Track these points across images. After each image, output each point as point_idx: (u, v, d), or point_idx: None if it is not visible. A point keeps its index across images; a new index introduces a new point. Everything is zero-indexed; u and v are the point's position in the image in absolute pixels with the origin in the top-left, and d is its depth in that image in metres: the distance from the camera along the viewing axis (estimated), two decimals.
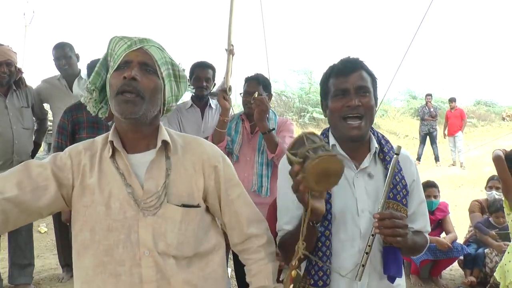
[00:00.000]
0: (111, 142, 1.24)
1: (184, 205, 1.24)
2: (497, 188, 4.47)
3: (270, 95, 2.80)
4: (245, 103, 2.74)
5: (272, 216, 2.46)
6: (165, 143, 1.28)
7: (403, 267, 1.40)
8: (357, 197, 1.42)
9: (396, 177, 1.41)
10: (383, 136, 1.52)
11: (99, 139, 1.30)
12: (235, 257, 2.91)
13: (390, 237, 1.26)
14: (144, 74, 1.21)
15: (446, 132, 11.08)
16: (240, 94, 2.80)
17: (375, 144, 1.45)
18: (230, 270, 3.38)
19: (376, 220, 1.28)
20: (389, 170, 1.33)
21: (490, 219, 4.16)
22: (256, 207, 1.41)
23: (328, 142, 1.47)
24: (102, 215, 1.19)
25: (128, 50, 1.22)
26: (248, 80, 2.76)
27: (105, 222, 1.19)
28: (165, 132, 1.31)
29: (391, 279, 1.39)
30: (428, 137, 11.10)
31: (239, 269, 2.92)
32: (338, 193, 1.41)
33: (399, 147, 1.36)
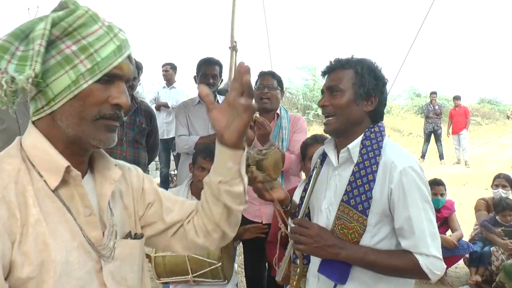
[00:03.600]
0: (67, 168, 0.87)
1: (138, 237, 1.03)
2: (503, 186, 4.46)
3: (282, 91, 2.79)
4: (259, 96, 2.69)
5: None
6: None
7: (346, 276, 1.37)
8: (326, 194, 1.47)
9: (358, 180, 1.37)
10: (378, 137, 1.42)
11: (9, 165, 0.84)
12: (245, 253, 2.92)
13: (295, 243, 1.38)
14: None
15: (450, 131, 11.03)
16: (254, 87, 2.78)
17: (354, 144, 1.42)
18: (236, 266, 3.39)
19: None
20: (311, 181, 1.41)
21: (496, 217, 4.15)
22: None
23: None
24: (64, 278, 0.83)
25: (119, 56, 0.88)
26: (263, 75, 2.74)
27: (69, 286, 0.84)
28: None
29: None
30: (432, 135, 11.06)
31: (247, 265, 2.93)
32: (316, 186, 1.50)
33: (319, 164, 1.51)
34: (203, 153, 2.69)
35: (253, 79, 2.90)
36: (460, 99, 11.21)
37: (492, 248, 3.98)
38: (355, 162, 1.41)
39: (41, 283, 0.80)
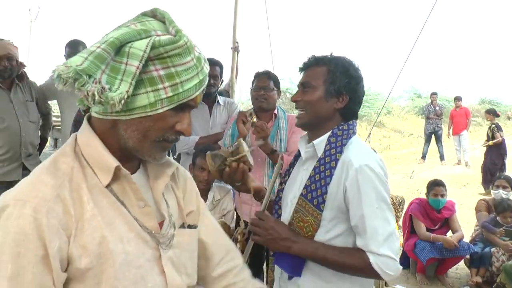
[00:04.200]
0: (117, 167, 0.89)
1: (193, 227, 1.07)
2: (504, 187, 4.45)
3: (279, 92, 2.79)
4: (255, 97, 2.70)
5: None
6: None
7: (300, 269, 1.40)
8: (294, 187, 1.51)
9: (317, 175, 1.39)
10: (344, 135, 1.42)
11: (64, 164, 0.88)
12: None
13: (253, 235, 1.44)
14: None
15: (450, 131, 11.02)
16: (251, 88, 2.78)
17: (319, 140, 1.44)
18: None
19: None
20: (273, 175, 1.54)
21: (497, 218, 4.14)
22: None
23: None
24: (124, 267, 0.87)
25: (198, 89, 0.90)
26: (259, 75, 2.75)
27: (129, 274, 0.87)
28: None
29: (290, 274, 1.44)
30: (433, 135, 11.06)
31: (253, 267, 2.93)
32: (290, 180, 1.57)
33: (281, 161, 1.67)
34: (203, 153, 2.70)
35: (250, 79, 2.90)
36: (460, 100, 11.20)
37: (493, 249, 3.97)
38: (318, 157, 1.42)
39: (100, 273, 0.85)
